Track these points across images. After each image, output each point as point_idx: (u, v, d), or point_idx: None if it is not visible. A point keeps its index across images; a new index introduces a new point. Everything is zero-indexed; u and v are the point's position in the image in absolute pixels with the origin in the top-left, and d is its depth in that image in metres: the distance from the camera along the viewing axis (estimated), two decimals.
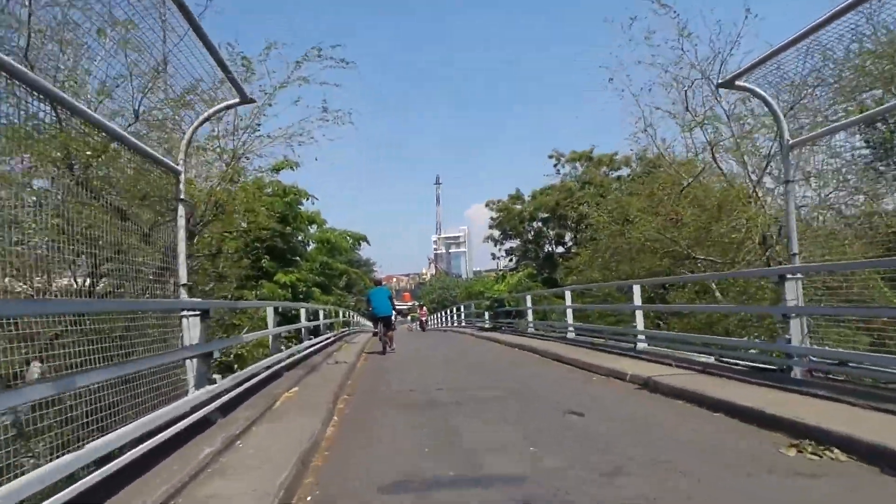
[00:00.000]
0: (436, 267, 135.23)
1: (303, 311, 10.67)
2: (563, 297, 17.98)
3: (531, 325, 14.14)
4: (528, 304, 14.17)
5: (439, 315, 32.11)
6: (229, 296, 10.16)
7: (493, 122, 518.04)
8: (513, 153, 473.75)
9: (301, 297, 15.16)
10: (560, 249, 30.05)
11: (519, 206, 30.86)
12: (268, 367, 6.52)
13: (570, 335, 11.10)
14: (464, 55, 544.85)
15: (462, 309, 27.29)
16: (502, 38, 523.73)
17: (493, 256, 34.48)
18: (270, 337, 7.62)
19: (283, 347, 7.78)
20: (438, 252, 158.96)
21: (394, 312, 12.01)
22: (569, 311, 11.23)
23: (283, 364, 7.58)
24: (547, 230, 30.17)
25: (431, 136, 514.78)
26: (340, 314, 19.06)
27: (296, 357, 9.35)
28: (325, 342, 12.82)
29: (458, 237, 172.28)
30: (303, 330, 10.70)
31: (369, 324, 33.32)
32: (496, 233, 33.13)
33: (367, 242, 18.04)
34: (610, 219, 13.53)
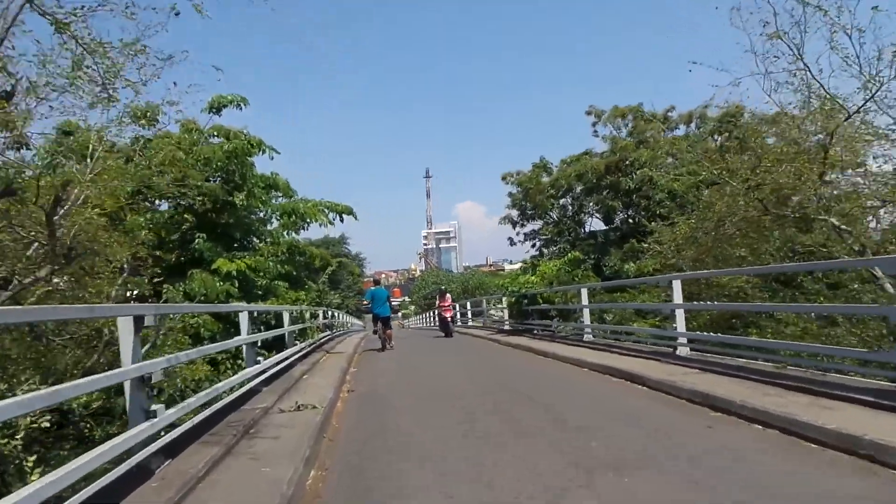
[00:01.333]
0: (426, 262, 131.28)
1: (244, 318, 6.33)
2: (622, 292, 14.10)
3: (588, 329, 9.95)
4: (584, 300, 9.95)
5: (433, 314, 27.58)
6: (113, 292, 5.84)
7: (481, 114, 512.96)
8: (500, 146, 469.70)
9: (259, 294, 10.74)
10: (603, 227, 24.35)
11: (547, 178, 25.33)
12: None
13: (682, 351, 6.95)
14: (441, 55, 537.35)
15: (469, 306, 22.91)
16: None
17: (511, 242, 28.18)
18: (127, 385, 3.30)
19: (161, 399, 3.43)
20: (428, 247, 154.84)
21: (391, 314, 12.85)
22: (679, 313, 7.04)
23: (163, 442, 3.28)
24: (589, 204, 24.60)
25: (419, 131, 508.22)
26: (320, 316, 14.64)
27: (223, 401, 5.09)
28: (292, 358, 8.56)
29: (449, 231, 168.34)
30: (244, 348, 6.39)
31: (359, 322, 29.40)
32: (515, 213, 27.28)
33: (354, 216, 13.57)
34: (727, 174, 9.09)
